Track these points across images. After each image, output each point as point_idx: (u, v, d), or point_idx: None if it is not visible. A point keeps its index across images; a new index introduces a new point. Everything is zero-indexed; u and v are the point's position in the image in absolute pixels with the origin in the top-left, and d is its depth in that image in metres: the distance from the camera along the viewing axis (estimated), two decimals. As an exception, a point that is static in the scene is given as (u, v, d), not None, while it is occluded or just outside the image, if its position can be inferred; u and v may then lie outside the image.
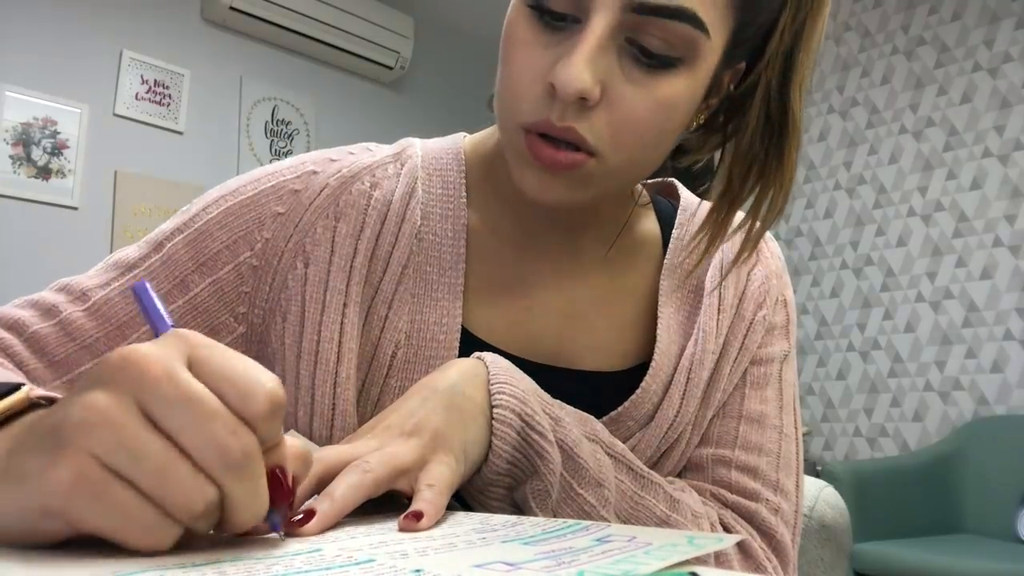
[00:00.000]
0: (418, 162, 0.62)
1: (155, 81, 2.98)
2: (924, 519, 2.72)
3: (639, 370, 0.61)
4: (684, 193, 0.69)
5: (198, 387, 0.28)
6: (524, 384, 0.49)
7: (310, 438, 0.55)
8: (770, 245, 0.68)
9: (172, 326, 0.35)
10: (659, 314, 0.62)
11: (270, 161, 2.33)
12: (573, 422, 0.52)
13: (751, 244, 0.57)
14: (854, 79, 3.48)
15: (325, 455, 0.41)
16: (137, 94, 2.93)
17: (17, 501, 0.28)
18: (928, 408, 3.11)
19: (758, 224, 0.56)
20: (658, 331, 0.61)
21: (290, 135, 3.39)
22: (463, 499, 0.49)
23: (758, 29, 0.51)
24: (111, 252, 0.64)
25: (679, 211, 0.67)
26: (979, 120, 3.09)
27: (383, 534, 0.34)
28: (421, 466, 0.42)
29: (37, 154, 2.68)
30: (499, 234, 0.61)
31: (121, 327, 0.56)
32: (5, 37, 2.63)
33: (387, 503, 0.41)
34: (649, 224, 0.67)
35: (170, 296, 0.57)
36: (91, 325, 0.56)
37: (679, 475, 0.62)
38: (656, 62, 0.47)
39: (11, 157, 2.62)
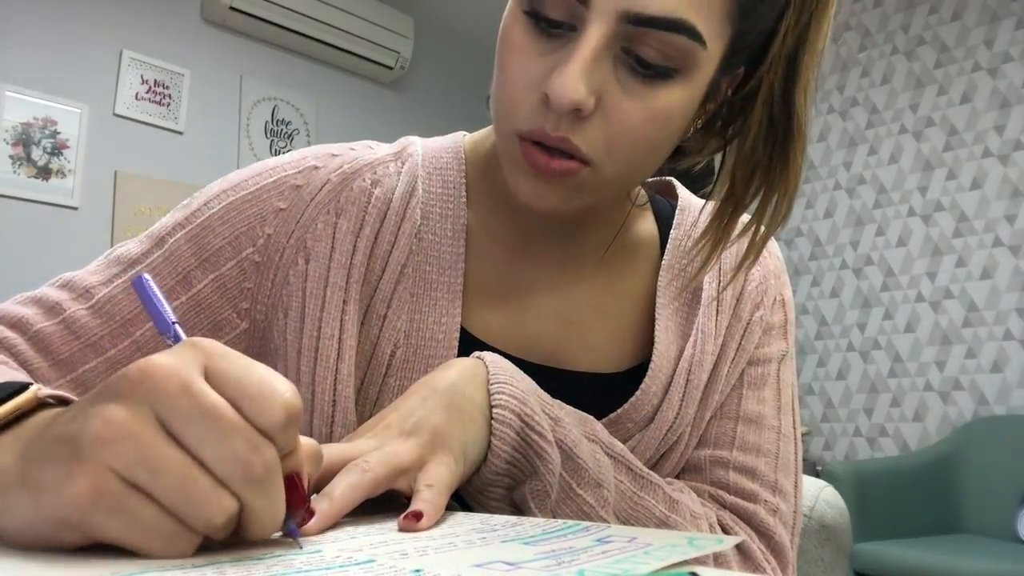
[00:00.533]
0: (419, 160, 0.62)
1: (155, 81, 2.98)
2: (924, 519, 2.72)
3: (637, 372, 0.60)
4: (682, 192, 0.69)
5: (216, 400, 0.28)
6: (524, 384, 0.49)
7: (310, 435, 0.55)
8: (769, 245, 0.67)
9: (174, 322, 0.35)
10: (657, 316, 0.62)
11: (270, 161, 2.32)
12: (573, 422, 0.52)
13: (755, 249, 0.56)
14: (854, 79, 3.48)
15: (324, 454, 0.41)
16: (137, 94, 2.93)
17: (35, 512, 0.28)
18: (928, 408, 3.11)
19: (763, 229, 0.55)
20: (656, 333, 0.61)
21: (290, 135, 3.39)
22: (462, 499, 0.49)
23: (757, 36, 0.50)
24: (111, 252, 0.64)
25: (677, 211, 0.67)
26: (979, 120, 3.09)
27: (383, 534, 0.34)
28: (420, 466, 0.42)
29: (37, 154, 2.68)
30: (497, 234, 0.61)
31: (125, 324, 0.56)
32: (5, 37, 2.63)
33: (387, 503, 0.41)
34: (647, 224, 0.66)
35: (173, 292, 0.57)
36: (95, 323, 0.56)
37: (678, 476, 0.62)
38: (652, 72, 0.47)
39: (11, 157, 2.62)
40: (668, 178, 0.71)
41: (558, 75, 0.45)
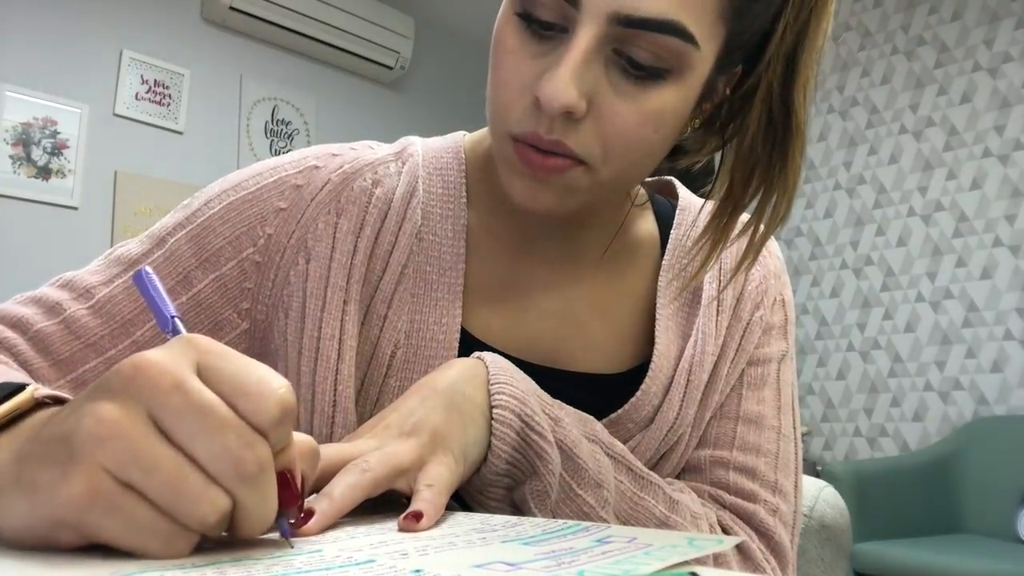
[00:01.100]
0: (419, 161, 0.62)
1: (155, 81, 2.98)
2: (924, 519, 2.72)
3: (637, 372, 0.60)
4: (683, 192, 0.69)
5: (209, 396, 0.28)
6: (524, 384, 0.49)
7: (310, 435, 0.55)
8: (769, 245, 0.67)
9: (173, 316, 0.35)
10: (657, 316, 0.62)
11: (270, 161, 2.32)
12: (573, 423, 0.51)
13: (754, 249, 0.56)
14: (854, 79, 3.48)
15: (324, 453, 0.41)
16: (137, 94, 2.93)
17: (30, 513, 0.28)
18: (928, 408, 3.11)
19: (762, 229, 0.55)
20: (656, 333, 0.61)
21: (290, 135, 3.39)
22: (462, 499, 0.49)
23: (754, 34, 0.50)
24: (111, 252, 0.64)
25: (677, 211, 0.67)
26: (979, 120, 3.09)
27: (383, 534, 0.34)
28: (420, 466, 0.42)
29: (37, 154, 2.68)
30: (497, 234, 0.61)
31: (126, 324, 0.56)
32: (5, 37, 2.63)
33: (387, 503, 0.41)
34: (647, 224, 0.66)
35: (173, 292, 0.57)
36: (95, 323, 0.56)
37: (678, 476, 0.62)
38: (644, 74, 0.47)
39: (11, 157, 2.62)
40: (668, 178, 0.70)
41: (549, 78, 0.45)
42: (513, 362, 0.51)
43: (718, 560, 0.54)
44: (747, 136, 0.52)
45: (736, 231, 0.56)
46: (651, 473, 0.55)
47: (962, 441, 2.86)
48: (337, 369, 0.54)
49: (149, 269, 0.38)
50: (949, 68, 3.19)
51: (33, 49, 2.69)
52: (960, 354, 3.05)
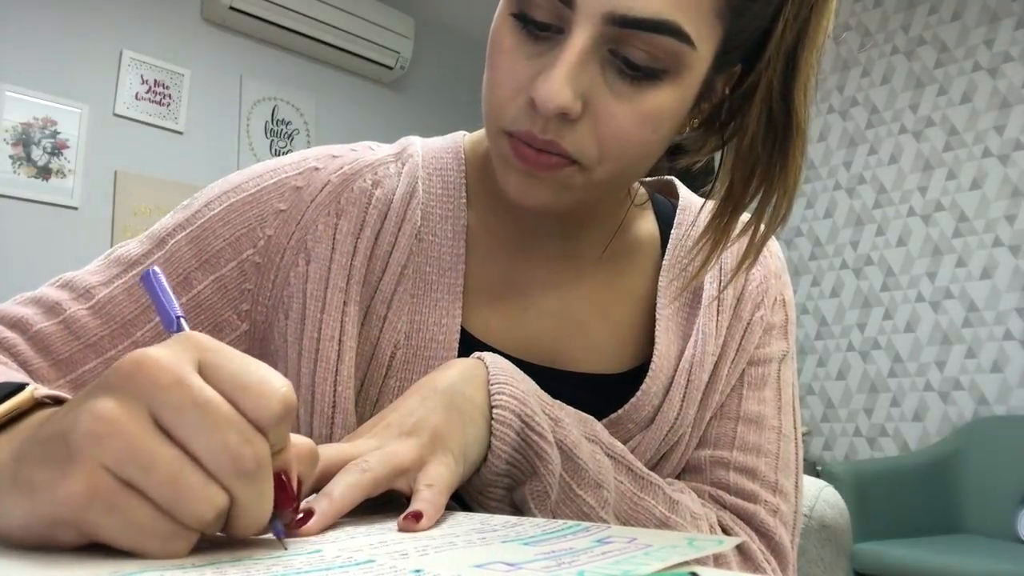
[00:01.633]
0: (419, 161, 0.62)
1: (155, 81, 2.97)
2: (924, 519, 2.72)
3: (637, 372, 0.60)
4: (683, 192, 0.69)
5: (209, 393, 0.28)
6: (524, 385, 0.49)
7: (310, 436, 0.55)
8: (770, 245, 0.67)
9: (179, 316, 0.35)
10: (657, 316, 0.62)
11: (270, 161, 2.32)
12: (573, 423, 0.51)
13: (755, 249, 0.55)
14: (854, 79, 3.47)
15: (324, 454, 0.41)
16: (137, 94, 2.93)
17: (29, 512, 0.28)
18: (928, 408, 3.11)
19: (762, 228, 0.55)
20: (657, 333, 0.61)
21: (290, 135, 3.39)
22: (462, 499, 0.49)
23: (752, 33, 0.49)
24: (111, 252, 0.64)
25: (678, 210, 0.67)
26: (979, 120, 3.09)
27: (383, 534, 0.34)
28: (420, 466, 0.42)
29: (37, 154, 2.68)
30: (497, 234, 0.61)
31: (125, 325, 0.56)
32: (5, 37, 2.63)
33: (387, 503, 0.41)
34: (647, 224, 0.66)
35: (173, 293, 0.56)
36: (95, 323, 0.55)
37: (678, 477, 0.62)
38: (640, 74, 0.46)
39: (11, 157, 2.62)
40: (669, 177, 0.70)
41: (543, 79, 0.45)
42: (513, 362, 0.51)
43: (718, 560, 0.54)
44: (747, 135, 0.52)
45: (737, 231, 0.56)
46: (651, 473, 0.55)
47: (962, 441, 2.86)
48: (337, 370, 0.54)
49: (157, 269, 0.38)
50: (949, 68, 3.19)
51: (33, 49, 2.69)
52: (960, 354, 3.05)
